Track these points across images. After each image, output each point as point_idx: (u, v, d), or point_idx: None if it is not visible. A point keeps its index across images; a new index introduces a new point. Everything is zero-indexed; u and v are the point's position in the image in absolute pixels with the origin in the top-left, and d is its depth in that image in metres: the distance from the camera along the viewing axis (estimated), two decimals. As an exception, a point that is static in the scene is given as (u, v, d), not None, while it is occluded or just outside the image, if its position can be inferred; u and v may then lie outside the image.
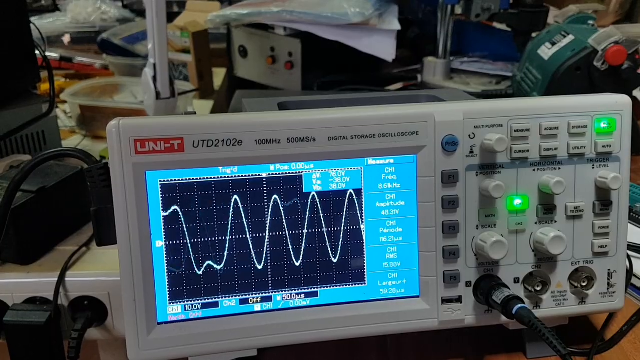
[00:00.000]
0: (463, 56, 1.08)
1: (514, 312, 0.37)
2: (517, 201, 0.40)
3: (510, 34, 1.03)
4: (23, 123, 0.68)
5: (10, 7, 0.68)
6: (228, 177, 0.37)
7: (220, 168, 0.37)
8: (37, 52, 0.74)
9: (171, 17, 1.36)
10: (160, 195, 0.37)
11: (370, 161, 0.39)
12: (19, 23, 0.69)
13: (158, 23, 0.74)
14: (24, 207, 0.48)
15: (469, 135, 0.39)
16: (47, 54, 1.23)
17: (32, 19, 1.26)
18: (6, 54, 0.67)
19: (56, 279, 0.46)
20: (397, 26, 0.93)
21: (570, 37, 0.81)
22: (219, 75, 1.11)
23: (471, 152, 0.39)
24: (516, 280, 0.41)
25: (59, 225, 0.53)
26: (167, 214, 0.37)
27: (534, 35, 0.96)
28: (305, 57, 0.95)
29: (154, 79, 0.77)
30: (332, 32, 0.92)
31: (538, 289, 0.41)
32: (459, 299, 0.40)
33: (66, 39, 1.29)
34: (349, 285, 0.40)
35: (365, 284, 0.40)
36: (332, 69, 1.00)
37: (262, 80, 1.03)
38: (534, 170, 0.40)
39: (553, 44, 0.84)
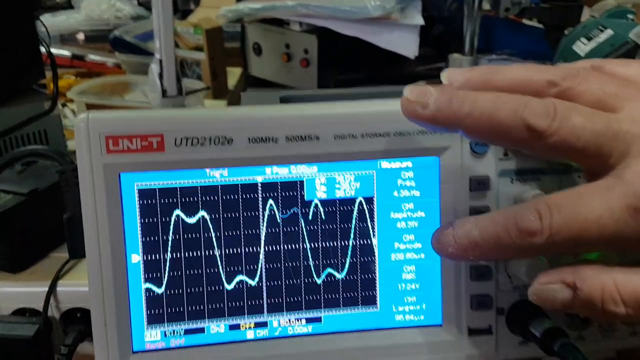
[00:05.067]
0: (491, 54, 1.03)
1: (556, 348, 0.32)
2: (559, 213, 0.34)
3: (540, 30, 0.98)
4: (22, 120, 0.66)
5: (13, 2, 0.65)
6: (216, 181, 0.33)
7: (208, 170, 0.32)
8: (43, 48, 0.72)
9: (187, 14, 1.34)
10: (137, 202, 0.32)
11: (384, 164, 0.34)
12: (21, 18, 0.66)
13: (164, 15, 0.72)
14: (14, 210, 0.45)
15: (503, 135, 0.33)
16: (59, 51, 1.21)
17: (46, 16, 1.27)
18: (6, 49, 0.64)
19: (47, 289, 0.42)
20: (420, 21, 0.89)
21: (609, 32, 0.77)
22: (234, 75, 1.08)
23: (505, 154, 0.34)
24: (557, 307, 0.35)
25: (52, 231, 0.49)
26: (145, 224, 0.32)
27: (566, 32, 0.91)
28: (322, 54, 0.91)
29: (160, 75, 0.75)
30: (351, 27, 0.88)
31: (582, 317, 0.35)
32: (488, 330, 0.35)
33: (80, 37, 1.29)
34: (358, 310, 0.35)
35: (377, 309, 0.35)
36: (350, 67, 0.96)
37: (276, 78, 0.99)
38: (579, 177, 0.34)
39: (589, 39, 0.79)
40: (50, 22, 1.25)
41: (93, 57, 1.17)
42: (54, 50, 0.93)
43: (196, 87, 0.87)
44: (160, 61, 0.73)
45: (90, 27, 1.29)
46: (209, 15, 1.06)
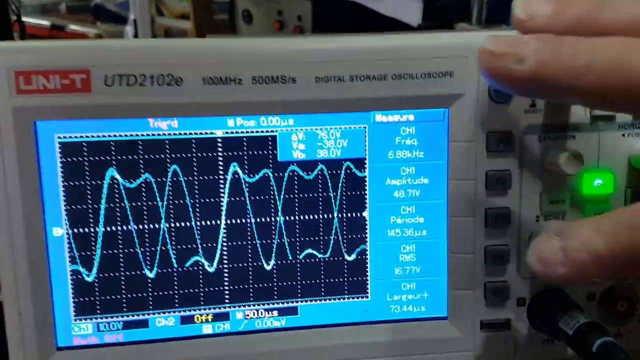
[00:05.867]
0: (500, 25, 0.98)
1: (594, 349, 0.26)
2: (598, 181, 0.29)
3: None
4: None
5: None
6: (163, 134, 0.27)
7: (151, 120, 0.26)
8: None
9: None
10: (58, 160, 0.26)
11: (379, 117, 0.28)
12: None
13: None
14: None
15: (531, 79, 0.27)
16: (38, 21, 1.17)
17: (25, -16, 1.22)
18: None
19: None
20: (424, -15, 0.83)
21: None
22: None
23: (533, 104, 0.28)
24: (590, 298, 0.30)
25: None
26: (69, 187, 0.26)
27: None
28: (317, 21, 0.86)
29: (135, 37, 0.69)
30: (348, -9, 0.82)
31: (621, 309, 0.30)
32: (506, 324, 0.30)
33: (62, 7, 1.25)
34: (343, 299, 0.30)
35: (367, 297, 0.30)
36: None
37: (267, 48, 0.95)
38: (623, 135, 0.29)
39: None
40: (30, -10, 1.20)
41: (74, 27, 1.15)
42: (31, 20, 0.88)
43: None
44: (135, 21, 0.67)
45: (73, -3, 1.25)
46: (195, -19, 1.00)
